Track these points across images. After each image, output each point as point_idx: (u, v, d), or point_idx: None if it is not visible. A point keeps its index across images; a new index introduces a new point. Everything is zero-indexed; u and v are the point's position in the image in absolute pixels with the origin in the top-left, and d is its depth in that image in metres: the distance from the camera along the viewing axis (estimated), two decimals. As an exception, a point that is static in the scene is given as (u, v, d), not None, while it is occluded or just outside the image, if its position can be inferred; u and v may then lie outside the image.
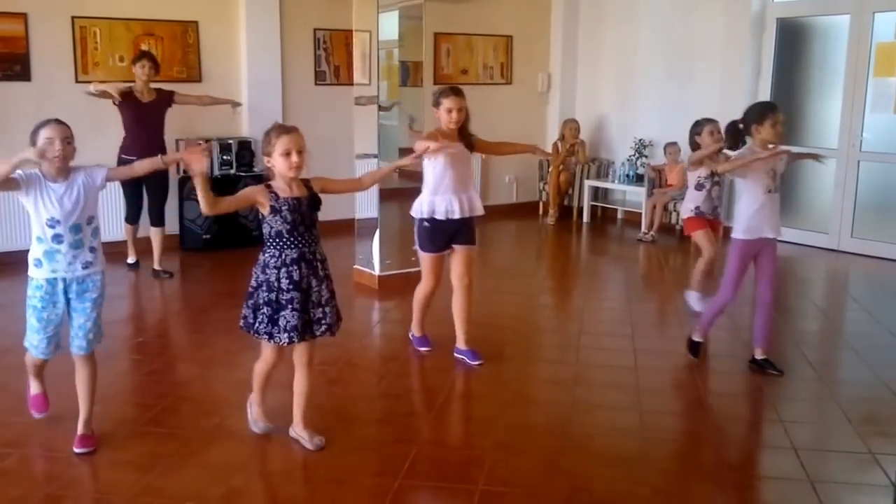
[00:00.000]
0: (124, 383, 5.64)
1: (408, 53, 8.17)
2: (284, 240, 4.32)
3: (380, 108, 7.98)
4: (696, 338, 5.98)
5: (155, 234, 8.38)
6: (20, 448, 4.59)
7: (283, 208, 4.29)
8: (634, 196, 11.41)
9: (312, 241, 4.41)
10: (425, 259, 5.97)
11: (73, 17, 8.89)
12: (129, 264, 8.59)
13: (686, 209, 7.18)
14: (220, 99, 8.96)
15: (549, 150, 11.69)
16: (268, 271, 4.34)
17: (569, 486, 4.21)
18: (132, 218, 8.51)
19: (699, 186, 7.03)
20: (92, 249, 4.42)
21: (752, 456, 4.75)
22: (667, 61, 11.17)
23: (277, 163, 4.27)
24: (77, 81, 8.82)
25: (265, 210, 4.31)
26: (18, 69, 8.64)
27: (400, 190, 8.38)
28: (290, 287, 4.32)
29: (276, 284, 4.33)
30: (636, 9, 11.53)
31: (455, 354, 6.03)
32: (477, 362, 5.92)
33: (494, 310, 7.35)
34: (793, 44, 10.36)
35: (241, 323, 4.47)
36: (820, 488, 4.17)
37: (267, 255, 4.37)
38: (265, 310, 4.34)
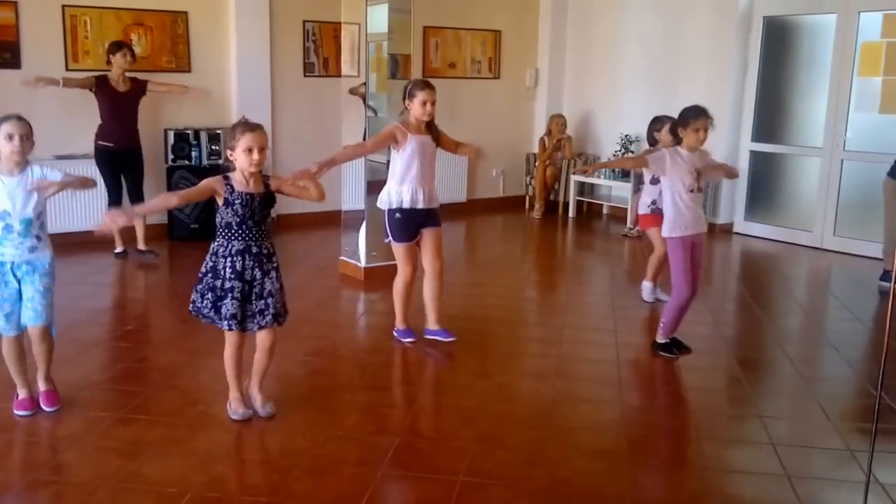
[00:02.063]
0: (111, 370, 5.67)
1: (397, 46, 8.21)
2: (233, 231, 4.51)
3: (365, 101, 8.02)
4: (660, 339, 6.08)
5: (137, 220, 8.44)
6: (5, 433, 4.63)
7: (236, 202, 4.48)
8: (620, 191, 11.49)
9: (260, 235, 4.58)
10: (399, 249, 6.08)
11: (63, 6, 8.90)
12: (116, 253, 8.62)
13: (643, 204, 7.36)
14: (189, 88, 9.19)
15: (536, 144, 11.77)
16: (215, 259, 4.54)
17: (549, 478, 4.26)
18: (115, 205, 8.50)
19: (654, 181, 7.15)
20: (38, 238, 4.62)
21: (731, 450, 4.81)
22: (654, 58, 11.23)
23: (239, 158, 4.47)
24: (67, 69, 8.83)
25: (220, 200, 4.51)
26: (9, 57, 8.65)
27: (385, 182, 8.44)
28: (232, 276, 4.51)
29: (220, 273, 4.53)
30: (624, 5, 11.58)
31: (426, 336, 6.20)
32: (449, 339, 6.11)
33: (479, 302, 7.42)
34: (779, 42, 10.42)
35: (190, 307, 4.68)
36: (797, 483, 4.24)
37: (216, 243, 4.57)
38: (209, 295, 4.57)
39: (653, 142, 7.29)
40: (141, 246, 8.52)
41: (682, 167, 5.67)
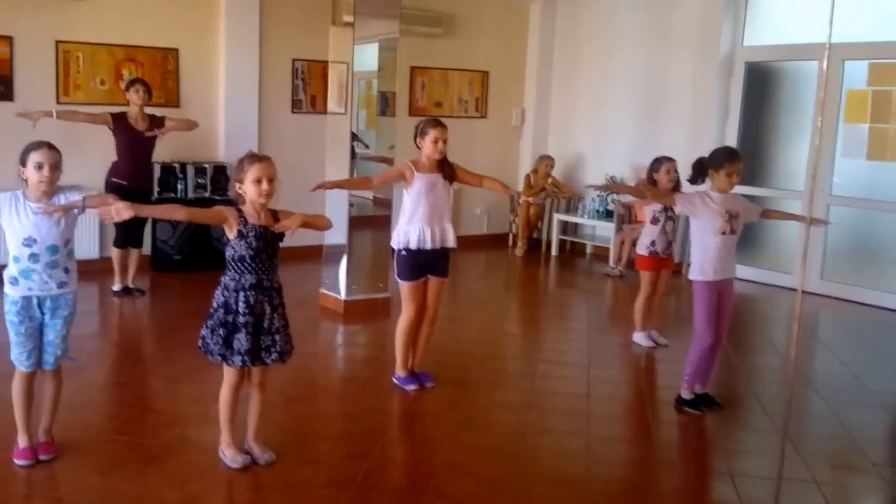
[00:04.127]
0: (91, 393, 5.79)
1: (386, 84, 8.42)
2: (246, 265, 4.47)
3: (354, 136, 8.20)
4: (685, 395, 5.88)
5: (133, 254, 8.55)
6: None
7: (250, 234, 4.45)
8: (604, 231, 11.61)
9: (272, 269, 4.57)
10: (404, 287, 6.03)
11: (57, 42, 9.09)
12: (114, 292, 8.53)
13: (642, 244, 7.38)
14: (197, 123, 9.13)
15: (522, 182, 11.95)
16: (227, 294, 4.50)
17: (511, 503, 4.40)
18: (122, 242, 8.54)
19: (654, 220, 7.24)
20: (66, 270, 4.56)
21: (692, 481, 4.95)
22: (638, 101, 11.45)
23: (249, 189, 4.43)
24: (58, 102, 8.99)
25: (232, 233, 4.46)
26: (2, 89, 8.83)
27: (369, 217, 8.62)
28: (246, 311, 4.47)
29: (233, 307, 4.48)
30: (610, 49, 11.81)
31: None
32: (431, 384, 6.13)
33: (458, 336, 7.55)
34: (762, 87, 10.64)
35: (200, 343, 4.60)
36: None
37: (227, 277, 4.52)
38: (220, 331, 4.48)
39: (653, 183, 7.24)
40: (130, 283, 8.54)
41: (713, 209, 5.59)
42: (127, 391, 5.92)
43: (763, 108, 10.68)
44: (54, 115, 8.13)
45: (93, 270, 8.75)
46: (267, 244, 4.51)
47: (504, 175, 12.41)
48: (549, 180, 11.76)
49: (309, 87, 10.72)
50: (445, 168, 5.98)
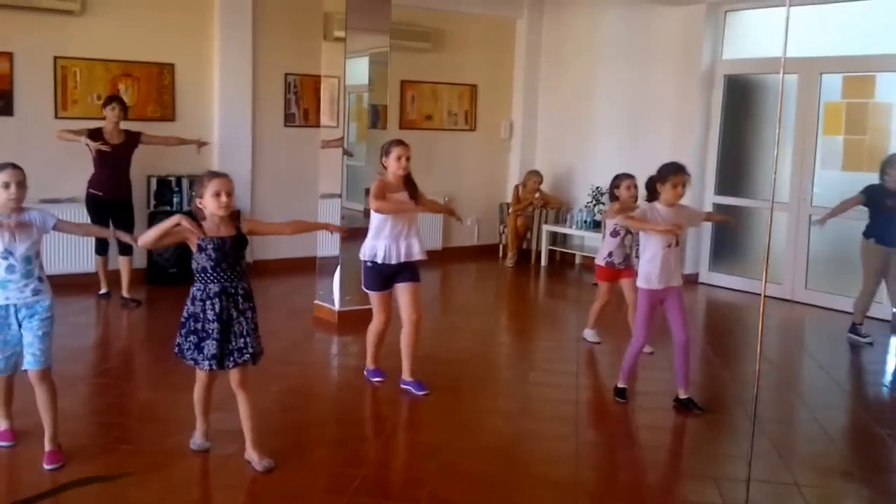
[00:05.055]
0: (93, 404, 5.98)
1: (377, 97, 8.60)
2: (209, 275, 4.75)
3: (345, 151, 8.36)
4: (621, 384, 6.32)
5: (123, 263, 8.74)
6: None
7: (209, 247, 4.72)
8: (592, 241, 11.75)
9: (235, 276, 4.81)
10: (373, 297, 6.39)
11: (55, 57, 9.24)
12: (99, 294, 8.90)
13: (600, 255, 7.74)
14: (186, 139, 9.41)
15: (510, 193, 12.14)
16: (195, 303, 4.77)
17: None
18: (101, 249, 8.94)
19: (614, 233, 7.55)
20: (40, 279, 4.87)
21: (674, 483, 5.12)
22: (623, 113, 11.66)
23: (208, 203, 4.72)
24: (56, 117, 9.16)
25: (193, 248, 4.75)
26: (2, 104, 8.97)
27: (363, 230, 8.73)
28: (214, 318, 4.74)
29: (201, 315, 4.75)
30: (594, 62, 12.03)
31: (401, 385, 6.39)
32: (422, 392, 6.29)
33: (449, 345, 7.72)
34: (742, 99, 10.85)
35: (175, 349, 4.89)
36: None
37: (195, 287, 4.81)
38: (192, 338, 4.78)
39: (614, 198, 7.65)
40: (125, 294, 8.77)
41: (658, 223, 5.97)
42: (129, 401, 6.08)
43: (743, 119, 10.89)
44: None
45: (93, 284, 8.94)
46: (226, 254, 4.76)
47: (494, 186, 12.72)
48: (537, 195, 11.94)
49: (301, 100, 10.89)
50: (410, 185, 6.30)
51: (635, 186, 7.48)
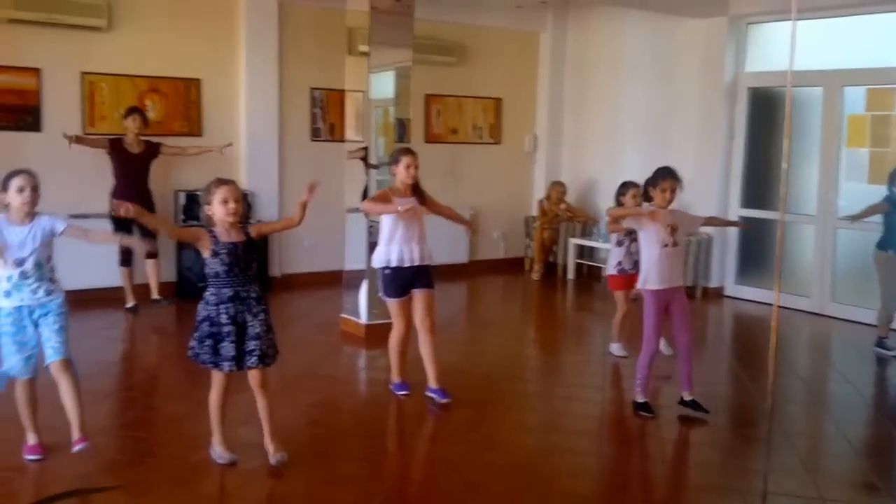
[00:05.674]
0: (122, 418, 6.04)
1: (402, 111, 8.63)
2: (222, 279, 4.88)
3: (369, 165, 8.38)
4: (640, 399, 6.28)
5: (150, 266, 8.88)
6: (19, 473, 4.96)
7: (222, 252, 4.86)
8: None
9: (247, 280, 4.95)
10: (392, 305, 6.45)
11: (82, 73, 9.34)
12: (127, 308, 8.96)
13: (610, 266, 7.82)
14: (204, 147, 9.58)
15: (535, 207, 12.14)
16: (209, 307, 4.90)
17: (528, 520, 4.58)
18: (125, 260, 9.02)
19: (619, 243, 7.66)
20: (52, 280, 5.01)
21: (699, 497, 5.09)
22: (647, 126, 11.63)
23: (217, 210, 4.87)
24: (85, 133, 9.23)
25: (207, 252, 4.88)
26: (30, 120, 9.08)
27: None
28: (228, 321, 4.86)
29: (216, 319, 4.87)
30: (618, 75, 12.02)
31: (427, 393, 6.44)
32: (444, 400, 6.34)
33: (476, 359, 7.72)
34: (767, 112, 10.77)
35: (189, 353, 4.99)
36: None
37: (208, 292, 4.94)
38: (208, 341, 4.89)
39: (620, 205, 7.64)
40: (155, 296, 8.94)
41: (655, 223, 6.08)
42: (155, 415, 6.14)
43: (768, 132, 10.80)
44: (72, 141, 8.67)
45: (120, 298, 9.01)
46: (238, 259, 4.89)
47: (519, 199, 12.71)
48: (563, 206, 11.93)
49: (327, 115, 10.94)
50: (418, 193, 6.38)
51: (640, 196, 7.43)
